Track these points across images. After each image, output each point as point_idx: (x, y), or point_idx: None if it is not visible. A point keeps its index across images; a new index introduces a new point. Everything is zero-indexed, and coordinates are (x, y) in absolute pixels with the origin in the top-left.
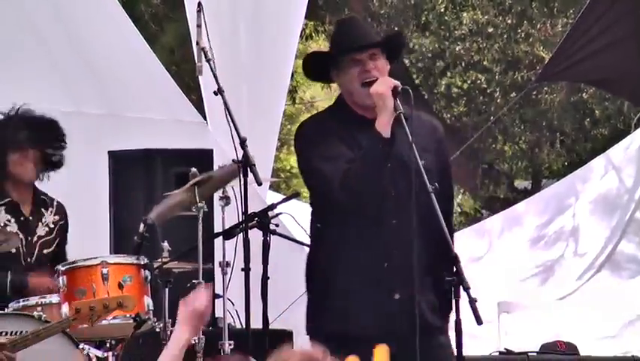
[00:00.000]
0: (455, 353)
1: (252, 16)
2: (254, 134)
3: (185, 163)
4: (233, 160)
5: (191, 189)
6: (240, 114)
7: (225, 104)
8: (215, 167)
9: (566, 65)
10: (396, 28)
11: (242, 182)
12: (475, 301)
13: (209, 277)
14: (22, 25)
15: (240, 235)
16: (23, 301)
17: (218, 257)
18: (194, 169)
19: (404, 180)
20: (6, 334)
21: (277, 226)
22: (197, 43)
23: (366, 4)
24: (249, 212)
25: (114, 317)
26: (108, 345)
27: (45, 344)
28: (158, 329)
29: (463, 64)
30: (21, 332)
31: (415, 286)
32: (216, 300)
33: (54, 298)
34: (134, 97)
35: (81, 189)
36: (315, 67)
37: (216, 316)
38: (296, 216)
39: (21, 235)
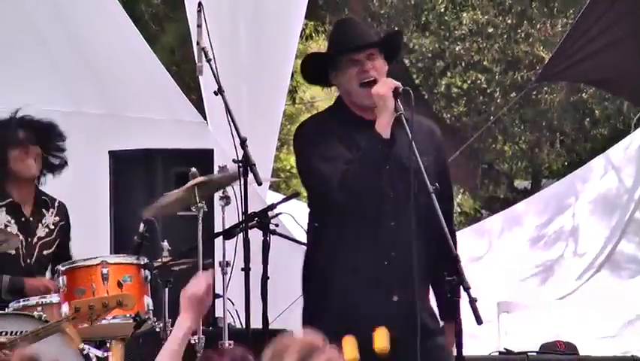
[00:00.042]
0: (455, 354)
1: (252, 16)
2: (254, 134)
3: (185, 163)
4: (233, 160)
5: (189, 190)
6: (240, 114)
7: (225, 104)
8: (216, 167)
9: (565, 65)
10: (396, 29)
11: (242, 182)
12: (475, 301)
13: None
14: (23, 26)
15: (240, 235)
16: (23, 301)
17: (218, 257)
18: (194, 169)
19: (402, 182)
20: (6, 334)
21: (277, 225)
22: (198, 44)
23: (366, 4)
24: (249, 212)
25: (114, 317)
26: (108, 345)
27: (44, 343)
28: (158, 329)
29: (463, 64)
30: (21, 332)
31: (413, 288)
32: (216, 300)
33: (54, 298)
34: (134, 97)
35: (81, 189)
36: (314, 69)
37: (216, 316)
38: (296, 216)
39: (21, 237)
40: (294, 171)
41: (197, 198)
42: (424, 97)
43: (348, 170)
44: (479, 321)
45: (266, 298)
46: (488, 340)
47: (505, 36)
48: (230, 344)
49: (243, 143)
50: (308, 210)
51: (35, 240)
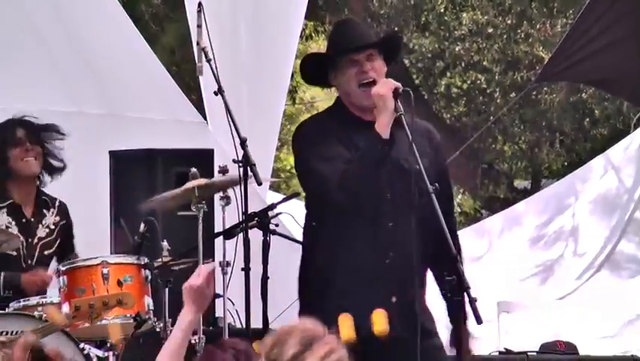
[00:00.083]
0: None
1: (252, 17)
2: (254, 135)
3: (185, 163)
4: (233, 160)
5: (189, 191)
6: (240, 114)
7: (225, 104)
8: (216, 167)
9: (565, 65)
10: (396, 29)
11: (242, 182)
12: (475, 300)
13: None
14: (23, 26)
15: (240, 235)
16: (24, 300)
17: (218, 257)
18: (194, 169)
19: (401, 183)
20: (6, 333)
21: (277, 225)
22: (198, 44)
23: (366, 5)
24: (249, 212)
25: (115, 317)
26: (109, 345)
27: (44, 342)
28: (158, 329)
29: (463, 64)
30: (22, 331)
31: (412, 289)
32: (217, 300)
33: (55, 298)
34: (134, 97)
35: (82, 189)
36: (313, 70)
37: (216, 315)
38: (296, 216)
39: (21, 238)
40: (294, 171)
41: (197, 198)
42: (424, 97)
43: (347, 170)
44: (479, 321)
45: (266, 298)
46: (488, 340)
47: (505, 36)
48: None
49: (243, 143)
50: (305, 210)
51: (36, 240)
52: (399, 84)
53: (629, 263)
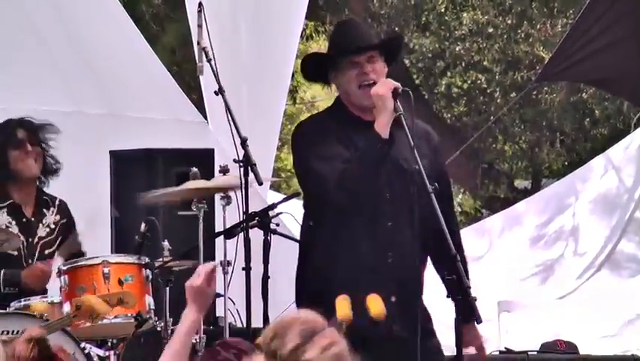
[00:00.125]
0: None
1: (252, 16)
2: (254, 134)
3: (186, 163)
4: (234, 160)
5: (189, 191)
6: (240, 114)
7: (226, 103)
8: (217, 166)
9: (565, 65)
10: (396, 29)
11: (243, 181)
12: (475, 300)
13: None
14: (23, 26)
15: (241, 235)
16: (25, 300)
17: (219, 256)
18: (194, 169)
19: (400, 183)
20: (8, 333)
21: (278, 225)
22: (198, 43)
23: (366, 5)
24: (249, 211)
25: (115, 316)
26: (109, 344)
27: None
28: (159, 328)
29: (464, 64)
30: (22, 331)
31: (411, 288)
32: (217, 299)
33: (56, 298)
34: (135, 97)
35: (82, 189)
36: (313, 68)
37: (217, 315)
38: (296, 216)
39: (22, 237)
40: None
41: (198, 198)
42: (425, 97)
43: (346, 169)
44: (479, 320)
45: (267, 297)
46: (488, 339)
47: (506, 36)
48: None
49: (244, 142)
50: (303, 210)
51: (36, 240)
52: (398, 84)
53: (630, 263)
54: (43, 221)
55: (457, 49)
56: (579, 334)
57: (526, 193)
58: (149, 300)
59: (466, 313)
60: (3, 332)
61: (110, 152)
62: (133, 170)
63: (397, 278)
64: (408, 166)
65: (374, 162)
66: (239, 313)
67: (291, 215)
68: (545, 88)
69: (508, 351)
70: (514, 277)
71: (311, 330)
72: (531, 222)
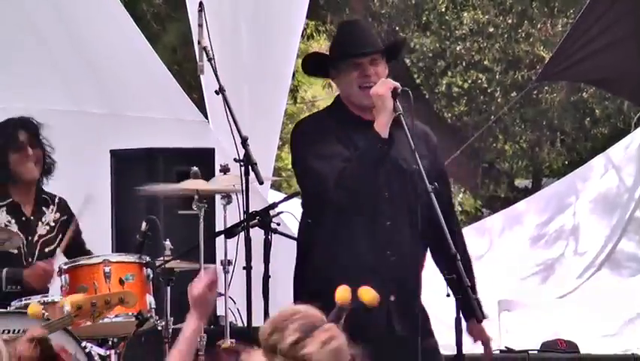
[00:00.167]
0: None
1: (253, 16)
2: (255, 134)
3: (186, 162)
4: (234, 159)
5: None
6: (241, 113)
7: (226, 103)
8: (217, 166)
9: (566, 64)
10: (397, 28)
11: (243, 181)
12: (476, 298)
13: None
14: (23, 26)
15: (242, 234)
16: (25, 299)
17: (219, 256)
18: (195, 168)
19: (398, 183)
20: (8, 332)
21: (278, 224)
22: (199, 43)
23: (367, 4)
24: (250, 211)
25: (116, 315)
26: (110, 343)
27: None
28: (160, 327)
29: (464, 63)
30: (23, 330)
31: (410, 288)
32: (218, 298)
33: (56, 297)
34: (135, 96)
35: (83, 188)
36: (314, 65)
37: (218, 314)
38: (297, 215)
39: (22, 236)
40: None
41: (198, 197)
42: (425, 96)
43: (345, 168)
44: (479, 319)
45: (267, 296)
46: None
47: (506, 36)
48: (232, 343)
49: (244, 142)
50: (301, 209)
51: (36, 238)
52: (397, 84)
53: (630, 262)
54: (43, 219)
55: (458, 48)
56: (579, 333)
57: (526, 192)
58: (150, 299)
59: (469, 311)
60: (4, 331)
61: (111, 151)
62: (133, 169)
63: (396, 278)
64: (407, 166)
65: (373, 161)
66: (239, 313)
67: (292, 214)
68: (546, 87)
69: (509, 350)
70: (515, 277)
71: (311, 324)
72: (531, 222)
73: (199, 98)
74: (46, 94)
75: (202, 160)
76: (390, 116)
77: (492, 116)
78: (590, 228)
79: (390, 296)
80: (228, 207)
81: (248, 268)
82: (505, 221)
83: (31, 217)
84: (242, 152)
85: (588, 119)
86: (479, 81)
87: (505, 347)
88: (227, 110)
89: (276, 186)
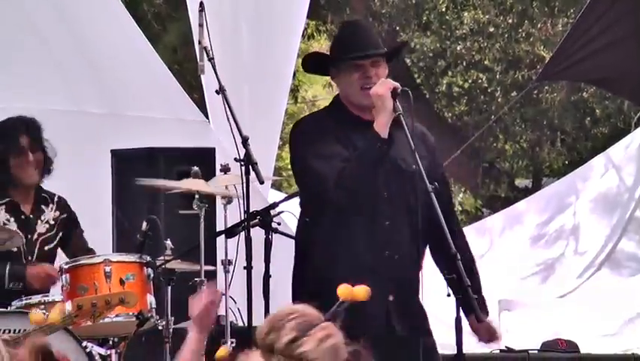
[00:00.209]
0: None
1: (253, 16)
2: (256, 133)
3: (187, 162)
4: (235, 159)
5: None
6: (241, 113)
7: (227, 102)
8: (218, 165)
9: (566, 64)
10: (397, 28)
11: (244, 180)
12: (475, 299)
13: (211, 275)
14: (24, 26)
15: (242, 234)
16: (26, 299)
17: (220, 255)
18: (196, 168)
19: (397, 183)
20: (9, 332)
21: (279, 224)
22: (200, 43)
23: (367, 4)
24: (251, 210)
25: (117, 315)
26: (111, 343)
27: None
28: (160, 327)
29: (464, 63)
30: (24, 330)
31: (409, 287)
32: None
33: (57, 297)
34: (136, 96)
35: (83, 188)
36: (314, 65)
37: (219, 314)
38: (297, 215)
39: (21, 234)
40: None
41: (198, 198)
42: (425, 96)
43: (344, 168)
44: (479, 318)
45: (268, 296)
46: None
47: (506, 35)
48: (232, 342)
49: (245, 141)
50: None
51: (36, 236)
52: (397, 84)
53: (630, 262)
54: (42, 217)
55: (458, 48)
56: (579, 333)
57: (526, 192)
58: (150, 299)
59: (470, 310)
60: (5, 331)
61: (112, 151)
62: (134, 169)
63: (395, 277)
64: (406, 166)
65: (373, 161)
66: (240, 312)
67: (293, 214)
68: (546, 87)
69: (509, 350)
70: (515, 276)
71: (307, 323)
72: (532, 221)
73: (200, 97)
74: (46, 94)
75: (203, 160)
76: (389, 116)
77: (492, 116)
78: (590, 227)
79: (389, 296)
80: (229, 206)
81: (248, 267)
82: (505, 221)
83: (31, 216)
84: (242, 151)
85: (588, 118)
86: (479, 81)
87: (506, 347)
88: (228, 109)
89: (276, 186)
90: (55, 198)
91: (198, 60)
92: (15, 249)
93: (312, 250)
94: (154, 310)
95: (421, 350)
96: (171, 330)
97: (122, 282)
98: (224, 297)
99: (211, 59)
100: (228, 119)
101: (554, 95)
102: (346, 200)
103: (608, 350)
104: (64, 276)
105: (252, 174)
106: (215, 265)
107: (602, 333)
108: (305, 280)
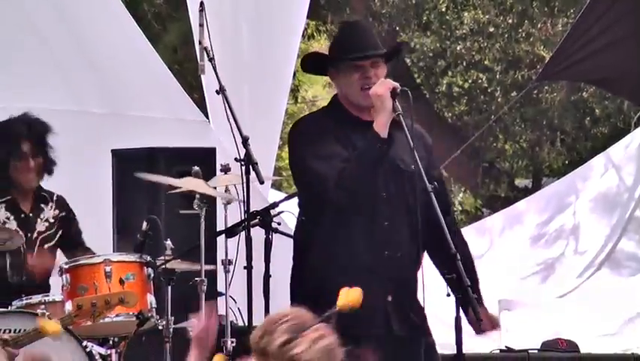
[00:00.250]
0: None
1: (253, 16)
2: (256, 133)
3: (187, 162)
4: (235, 159)
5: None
6: (241, 113)
7: (227, 102)
8: (218, 165)
9: (566, 64)
10: (397, 28)
11: (244, 180)
12: (475, 298)
13: (211, 274)
14: (23, 26)
15: (243, 233)
16: (26, 299)
17: (220, 255)
18: (196, 168)
19: (396, 183)
20: (9, 331)
21: (279, 224)
22: (200, 43)
23: (367, 4)
24: (251, 210)
25: (117, 315)
26: (111, 343)
27: (47, 341)
28: (160, 327)
29: (464, 63)
30: (24, 329)
31: (408, 287)
32: (219, 298)
33: (57, 296)
34: (136, 96)
35: (84, 188)
36: (313, 64)
37: (219, 313)
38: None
39: (21, 232)
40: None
41: (199, 197)
42: (425, 96)
43: (345, 168)
44: (479, 318)
45: (268, 295)
46: (489, 338)
47: (506, 35)
48: (232, 342)
49: (245, 141)
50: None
51: (35, 235)
52: (397, 84)
53: (630, 261)
54: (41, 216)
55: (458, 48)
56: (579, 332)
57: (526, 192)
58: (150, 299)
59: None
60: (5, 330)
61: (112, 151)
62: (135, 169)
63: (394, 277)
64: (404, 166)
65: (373, 161)
66: (240, 312)
67: (293, 214)
68: (546, 87)
69: (509, 350)
70: (515, 276)
71: (300, 325)
72: (532, 221)
73: (200, 97)
74: (47, 94)
75: (203, 160)
76: (389, 116)
77: (492, 116)
78: (590, 227)
79: (387, 296)
80: (229, 206)
81: (249, 267)
82: (505, 220)
83: (30, 214)
84: (243, 151)
85: (588, 118)
86: (479, 81)
87: (506, 347)
88: (228, 109)
89: (276, 186)
90: (55, 197)
91: (198, 60)
92: (15, 247)
93: (311, 250)
94: (154, 309)
95: (421, 349)
96: (171, 330)
97: (121, 282)
98: (224, 297)
99: (211, 59)
100: (228, 119)
101: (554, 95)
102: (346, 200)
103: (608, 349)
104: (64, 276)
105: (252, 173)
106: (215, 264)
107: (602, 333)
108: (303, 280)
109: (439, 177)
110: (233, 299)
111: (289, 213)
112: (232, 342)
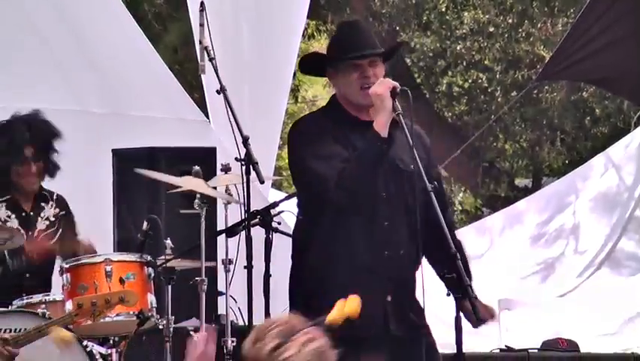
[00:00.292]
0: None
1: (254, 15)
2: (256, 133)
3: (188, 161)
4: (235, 158)
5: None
6: (242, 113)
7: (227, 102)
8: (219, 165)
9: (566, 64)
10: (397, 28)
11: (244, 180)
12: (475, 298)
13: (212, 274)
14: (23, 26)
15: (243, 233)
16: (27, 298)
17: (220, 255)
18: (197, 167)
19: (395, 183)
20: (10, 331)
21: (279, 223)
22: (200, 42)
23: (367, 4)
24: (251, 210)
25: (117, 314)
26: (111, 342)
27: (48, 340)
28: (161, 326)
29: (464, 63)
30: (25, 329)
31: (407, 287)
32: (219, 297)
33: (58, 296)
34: (137, 96)
35: (85, 188)
36: (311, 63)
37: (219, 313)
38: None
39: (23, 233)
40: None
41: (200, 197)
42: (426, 96)
43: (345, 168)
44: (478, 318)
45: (268, 295)
46: (489, 337)
47: (506, 35)
48: (232, 341)
49: (246, 141)
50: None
51: (36, 233)
52: (396, 83)
53: (630, 261)
54: (42, 214)
55: (458, 48)
56: (579, 332)
57: (526, 192)
58: (151, 298)
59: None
60: (5, 330)
61: (113, 150)
62: (135, 168)
63: (394, 277)
64: (404, 166)
65: (373, 161)
66: (240, 312)
67: (293, 213)
68: (546, 87)
69: (509, 349)
70: (515, 276)
71: (289, 330)
72: (532, 221)
73: (200, 97)
74: (47, 94)
75: (203, 159)
76: (389, 115)
77: (492, 116)
78: (590, 227)
79: (387, 296)
80: (229, 206)
81: (249, 267)
82: (505, 220)
83: (31, 213)
84: (243, 151)
85: (588, 118)
86: (480, 81)
87: (506, 346)
88: (229, 109)
89: (276, 185)
90: (55, 196)
91: (199, 60)
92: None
93: (310, 250)
94: (154, 309)
95: (421, 349)
96: (172, 329)
97: (122, 281)
98: (224, 296)
99: (212, 59)
100: (229, 118)
101: (554, 94)
102: (346, 200)
103: (608, 349)
104: (65, 275)
105: (253, 173)
106: (215, 263)
107: (602, 332)
108: (302, 280)
109: (437, 176)
110: (234, 299)
111: (289, 213)
112: (232, 342)
